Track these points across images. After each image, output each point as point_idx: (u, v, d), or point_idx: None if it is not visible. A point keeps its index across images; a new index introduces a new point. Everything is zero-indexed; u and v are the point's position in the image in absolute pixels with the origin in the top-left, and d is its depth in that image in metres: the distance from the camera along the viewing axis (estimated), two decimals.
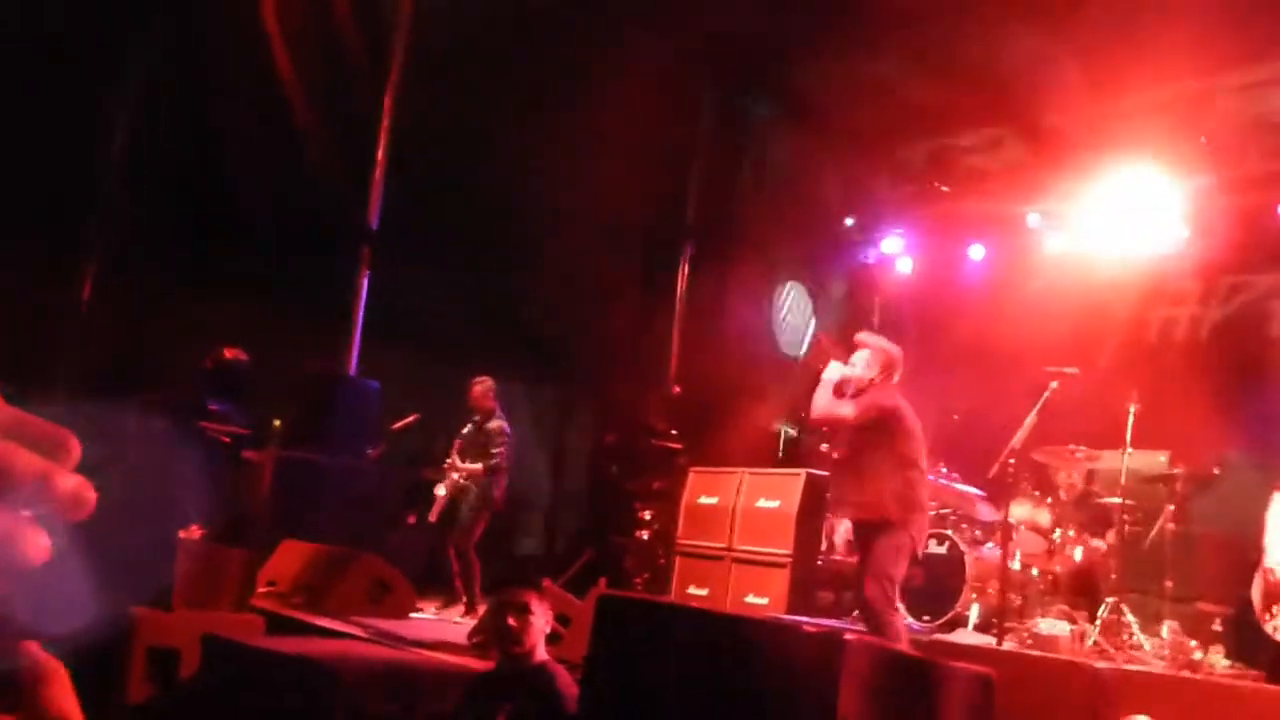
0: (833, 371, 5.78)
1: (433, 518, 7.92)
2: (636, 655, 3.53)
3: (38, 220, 8.65)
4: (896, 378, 5.86)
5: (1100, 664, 4.59)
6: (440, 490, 7.98)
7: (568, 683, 3.86)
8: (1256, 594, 4.73)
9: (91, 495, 0.51)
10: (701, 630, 3.40)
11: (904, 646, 4.62)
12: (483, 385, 8.03)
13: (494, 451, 7.84)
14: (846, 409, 5.65)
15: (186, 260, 9.29)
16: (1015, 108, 8.80)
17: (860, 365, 5.86)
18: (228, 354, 8.24)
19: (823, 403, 5.71)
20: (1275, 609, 4.59)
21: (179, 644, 5.89)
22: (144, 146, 9.40)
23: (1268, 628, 4.58)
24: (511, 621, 3.84)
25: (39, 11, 8.45)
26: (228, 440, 7.90)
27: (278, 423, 8.89)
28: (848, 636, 2.98)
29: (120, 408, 8.31)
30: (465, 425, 8.09)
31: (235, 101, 9.30)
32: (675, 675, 3.33)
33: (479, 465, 7.83)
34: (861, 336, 6.09)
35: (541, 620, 3.92)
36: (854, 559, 8.46)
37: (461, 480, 7.86)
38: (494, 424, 7.92)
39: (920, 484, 5.63)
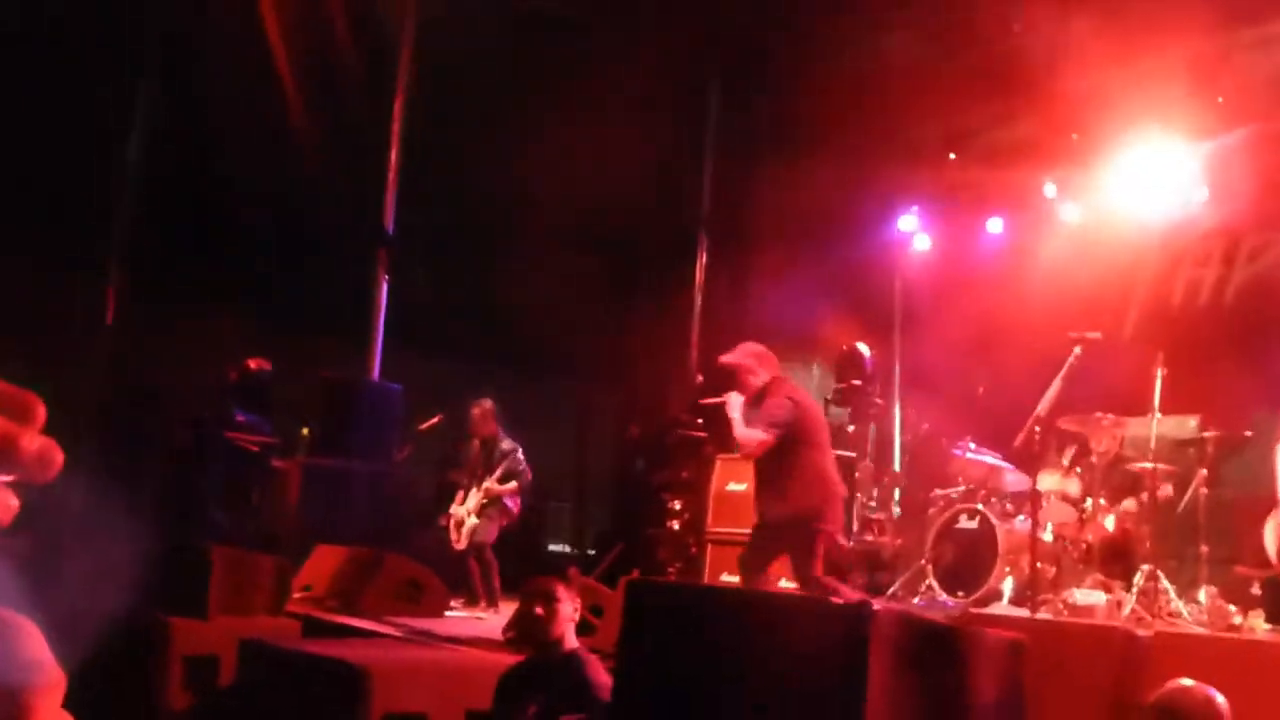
0: (734, 402, 5.84)
1: (462, 545, 7.87)
2: (667, 639, 3.53)
3: (58, 241, 8.75)
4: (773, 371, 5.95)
5: (1138, 631, 4.55)
6: (461, 513, 7.92)
7: (599, 670, 3.87)
8: (1271, 543, 4.67)
9: (59, 456, 0.50)
10: (729, 610, 3.39)
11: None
12: (482, 409, 8.01)
13: (520, 470, 7.84)
14: (760, 433, 5.73)
15: (206, 275, 9.37)
16: (1026, 79, 8.72)
17: (746, 376, 5.92)
18: (252, 365, 8.32)
19: (743, 434, 5.79)
20: None
21: (216, 651, 5.95)
22: (158, 164, 9.49)
23: None
24: (539, 610, 3.85)
25: (49, 27, 8.53)
26: (256, 449, 7.97)
27: (305, 430, 8.95)
28: (876, 607, 2.96)
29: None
30: (466, 450, 8.07)
31: (244, 113, 9.37)
32: (706, 656, 3.32)
33: (513, 484, 7.80)
34: (725, 360, 6.10)
35: (569, 608, 3.93)
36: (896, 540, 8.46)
37: (484, 500, 7.84)
38: (505, 444, 7.93)
39: (830, 467, 5.86)
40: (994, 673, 3.10)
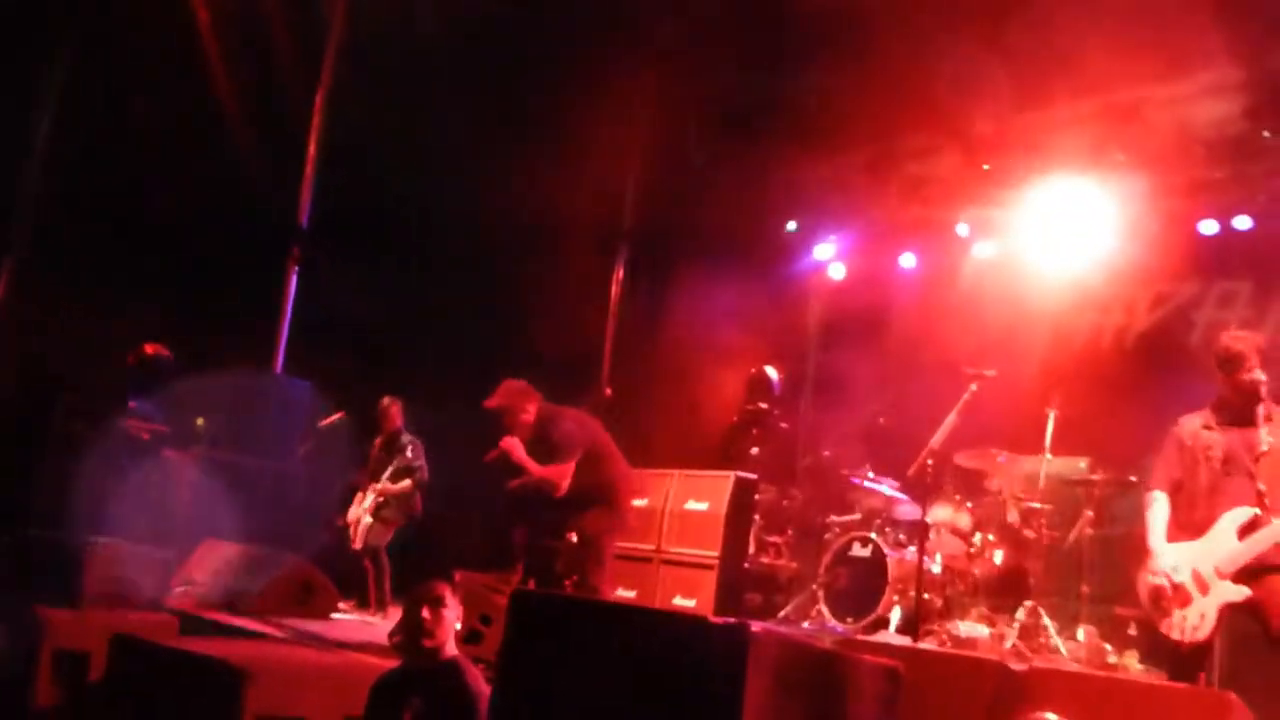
0: (516, 449, 5.91)
1: (358, 544, 7.82)
2: (548, 650, 3.49)
3: None
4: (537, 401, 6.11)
5: (1013, 665, 4.64)
6: (358, 513, 7.87)
7: (476, 679, 3.82)
8: (1142, 588, 4.85)
9: None
10: (612, 624, 3.37)
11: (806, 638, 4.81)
12: (387, 403, 8.04)
13: (416, 466, 7.83)
14: (561, 464, 5.91)
15: (113, 260, 9.08)
16: (949, 116, 8.92)
17: (515, 419, 6.08)
18: (149, 350, 8.09)
19: (547, 473, 5.93)
20: (1165, 607, 4.68)
21: (89, 646, 5.74)
22: (65, 146, 9.19)
23: (1162, 627, 4.68)
24: (425, 614, 3.79)
25: None
26: (146, 438, 7.74)
27: (201, 421, 8.72)
28: (755, 628, 2.97)
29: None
30: (369, 448, 8.07)
31: (160, 99, 9.14)
32: (586, 669, 3.30)
33: (407, 483, 7.82)
34: (490, 404, 6.18)
35: (453, 614, 3.88)
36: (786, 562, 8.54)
37: (380, 500, 7.80)
38: (405, 439, 7.92)
39: (629, 472, 6.26)
40: (870, 698, 3.14)
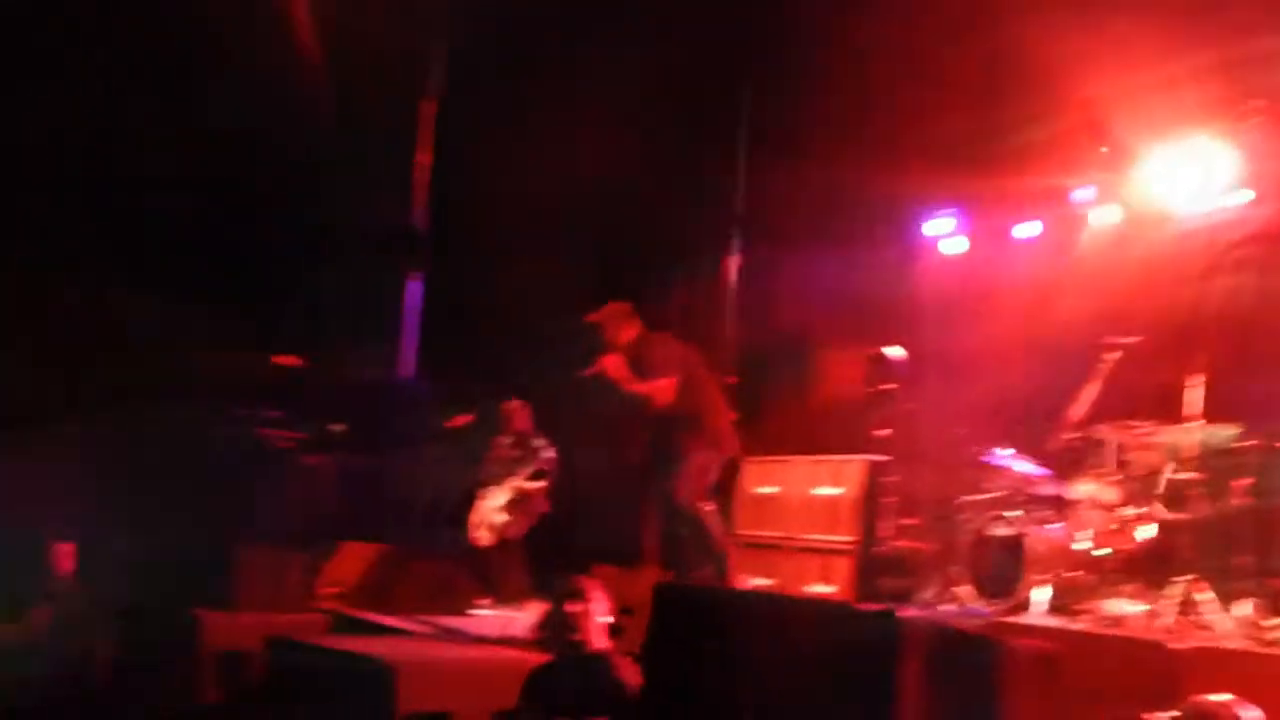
0: (616, 363, 6.18)
1: (490, 542, 7.89)
2: (694, 641, 3.51)
3: (85, 235, 8.80)
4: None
5: (1173, 644, 4.46)
6: (489, 511, 7.92)
7: (625, 671, 3.85)
8: None
9: None
10: (758, 614, 3.36)
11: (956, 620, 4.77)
12: (516, 405, 8.06)
13: (548, 467, 7.86)
14: (653, 384, 6.09)
15: (239, 276, 9.42)
16: (1063, 79, 8.61)
17: (616, 341, 6.28)
18: (282, 361, 8.37)
19: (640, 389, 6.11)
20: None
21: (246, 646, 5.98)
22: (198, 164, 9.55)
23: None
24: (569, 609, 3.84)
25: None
26: (287, 445, 8.02)
27: (335, 427, 8.98)
28: (905, 615, 2.93)
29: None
30: (496, 447, 8.09)
31: (278, 116, 9.41)
32: (733, 659, 3.30)
33: (543, 481, 7.84)
34: (592, 319, 6.30)
35: (600, 608, 3.92)
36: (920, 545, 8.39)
37: (513, 498, 7.85)
38: (536, 441, 7.97)
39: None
40: (1026, 684, 3.05)
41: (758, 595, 4.22)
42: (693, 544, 6.39)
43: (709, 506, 6.49)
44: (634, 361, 6.07)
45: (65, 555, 5.64)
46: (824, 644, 2.97)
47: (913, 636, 2.78)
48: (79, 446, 8.32)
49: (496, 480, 8.02)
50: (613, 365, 6.01)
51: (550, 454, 7.96)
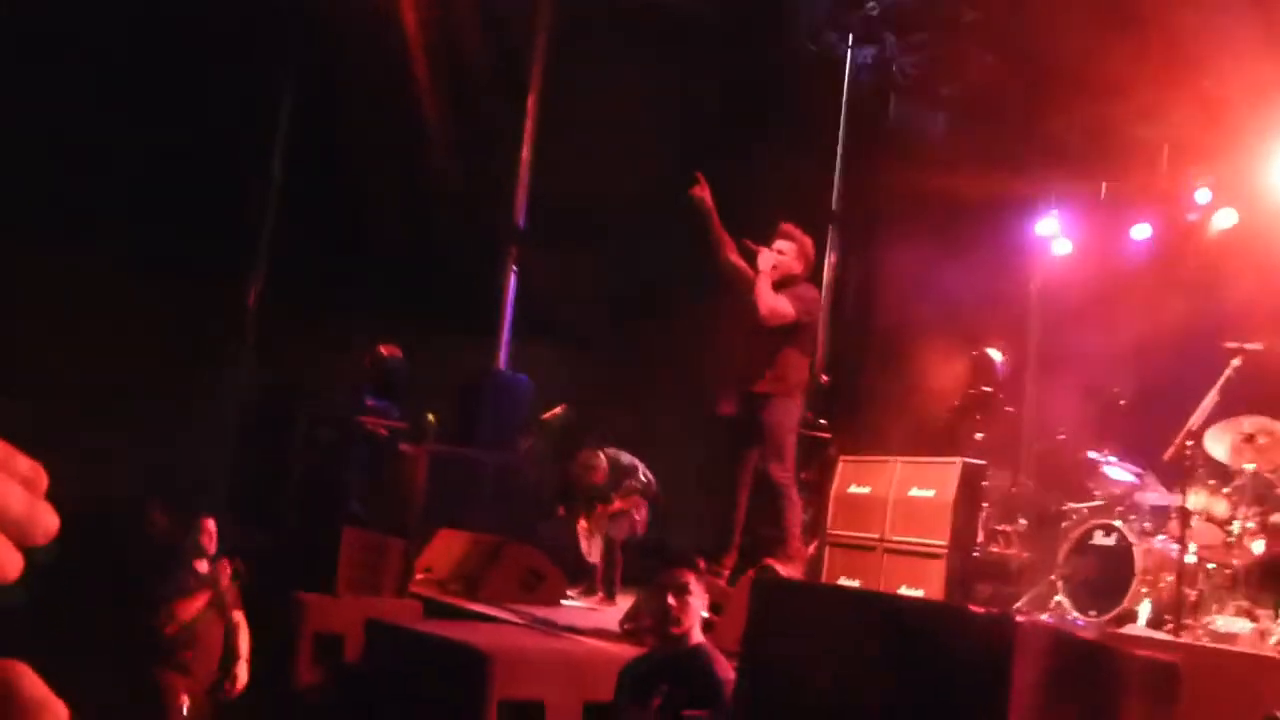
0: (766, 261, 5.96)
1: (593, 558, 7.77)
2: (795, 638, 3.46)
3: (198, 249, 9.06)
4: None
5: None
6: (589, 528, 7.82)
7: (724, 666, 3.83)
8: None
9: (56, 525, 0.55)
10: (863, 613, 3.31)
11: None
12: (588, 464, 7.82)
13: (643, 485, 7.74)
14: (785, 304, 6.05)
15: (341, 272, 9.59)
16: (1179, 71, 8.33)
17: (790, 255, 6.25)
18: (384, 351, 8.52)
19: (769, 299, 6.05)
20: None
21: (343, 629, 6.10)
22: (293, 166, 9.77)
23: None
24: (671, 601, 3.83)
25: (188, 41, 8.81)
26: (385, 434, 8.16)
27: (432, 417, 9.11)
28: (1020, 619, 2.85)
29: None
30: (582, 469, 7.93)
31: (375, 113, 9.57)
32: (836, 658, 3.24)
33: (635, 496, 7.70)
34: (788, 228, 6.35)
35: (699, 601, 3.90)
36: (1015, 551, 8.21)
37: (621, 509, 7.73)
38: (625, 460, 7.83)
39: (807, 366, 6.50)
40: (1144, 695, 2.96)
41: (862, 592, 4.15)
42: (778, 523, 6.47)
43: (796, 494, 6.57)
44: (778, 285, 6.21)
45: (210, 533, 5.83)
46: (934, 645, 2.91)
47: (1029, 641, 2.71)
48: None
49: (588, 502, 7.87)
50: (765, 259, 6.11)
51: (643, 474, 7.82)
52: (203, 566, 5.68)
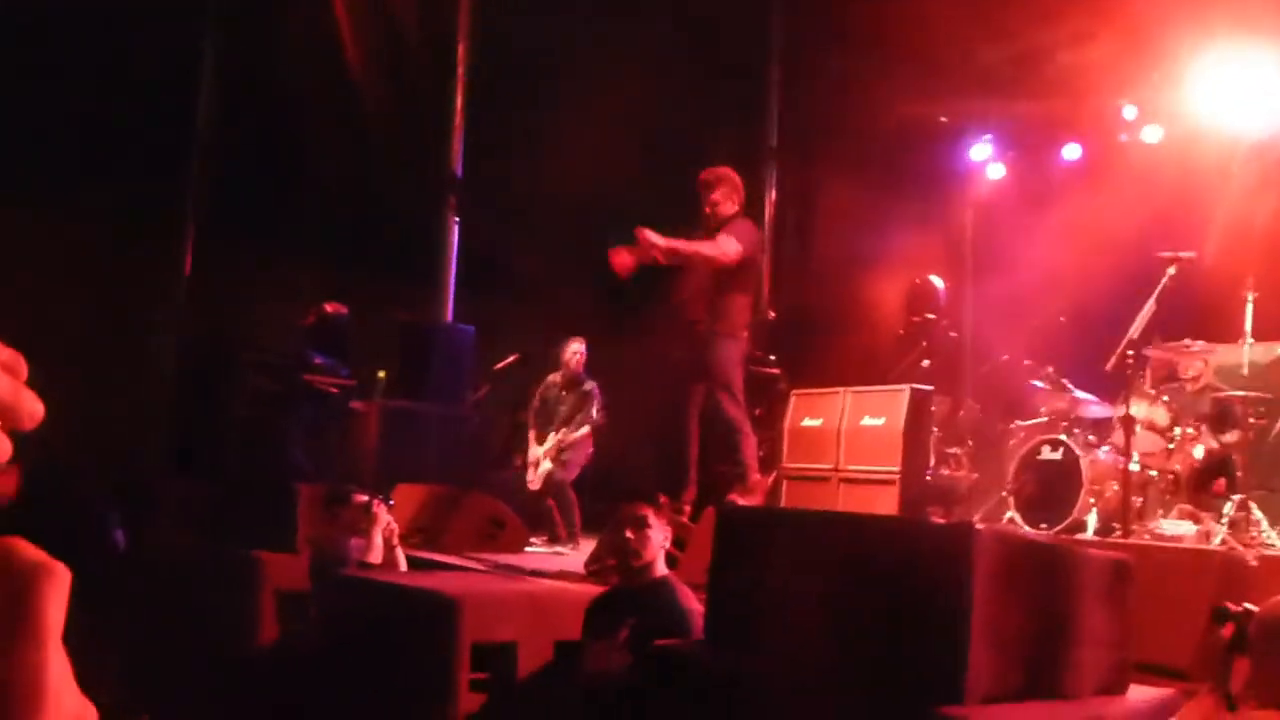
0: (655, 239, 6.06)
1: (536, 485, 7.92)
2: (760, 565, 3.52)
3: (132, 200, 8.88)
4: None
5: (1247, 556, 4.45)
6: (538, 456, 7.93)
7: (688, 596, 3.89)
8: None
9: (41, 410, 0.55)
10: (825, 533, 3.37)
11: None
12: (577, 346, 8.02)
13: (594, 413, 7.86)
14: (732, 244, 6.09)
15: (279, 225, 9.46)
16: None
17: (721, 197, 6.30)
18: (328, 309, 8.43)
19: (711, 250, 6.10)
20: None
21: (305, 586, 6.08)
22: (227, 117, 9.58)
23: None
24: (629, 534, 3.87)
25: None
26: (335, 391, 8.09)
27: (381, 374, 9.05)
28: (977, 526, 2.93)
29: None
30: (545, 390, 8.07)
31: (308, 64, 9.39)
32: (802, 580, 3.31)
33: (585, 430, 7.85)
34: (706, 176, 6.37)
35: (659, 535, 3.95)
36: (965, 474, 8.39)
37: (562, 445, 7.86)
38: (587, 386, 7.95)
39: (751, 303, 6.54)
40: (1099, 592, 3.06)
41: (824, 514, 4.23)
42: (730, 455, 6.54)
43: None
44: (722, 233, 6.21)
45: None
46: (896, 558, 2.98)
47: (986, 547, 2.79)
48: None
49: (547, 422, 8.04)
50: (664, 243, 6.10)
51: (599, 395, 7.95)
52: None
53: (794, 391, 8.40)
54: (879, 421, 7.78)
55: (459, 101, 9.83)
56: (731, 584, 3.58)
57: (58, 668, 0.50)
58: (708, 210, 6.33)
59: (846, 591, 3.12)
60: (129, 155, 8.65)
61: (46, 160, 8.34)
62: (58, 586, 0.51)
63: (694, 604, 3.89)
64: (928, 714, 2.63)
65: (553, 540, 7.65)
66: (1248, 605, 2.66)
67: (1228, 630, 2.71)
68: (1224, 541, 5.96)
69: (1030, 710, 2.75)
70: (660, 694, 3.45)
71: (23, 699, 0.48)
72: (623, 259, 6.20)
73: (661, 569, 4.00)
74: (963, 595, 2.77)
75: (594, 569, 5.83)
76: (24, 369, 0.55)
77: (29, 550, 0.52)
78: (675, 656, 3.49)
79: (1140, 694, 3.09)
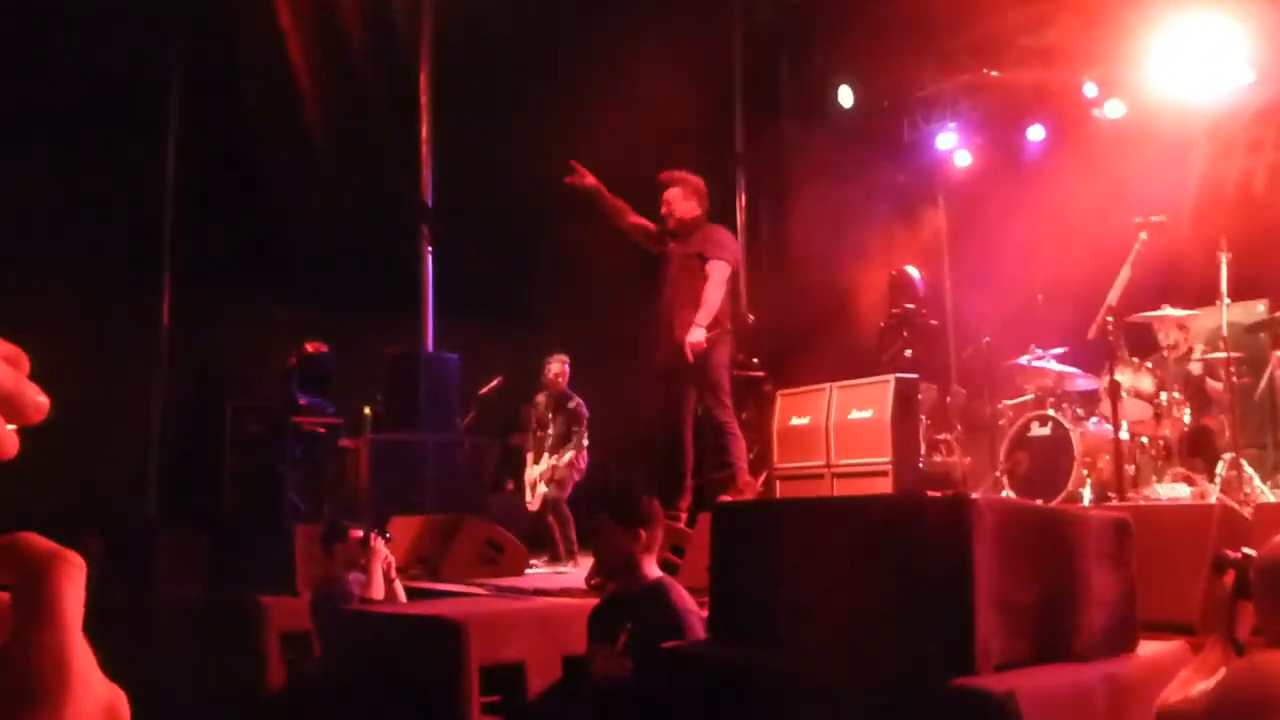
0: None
1: (535, 506, 7.91)
2: (761, 555, 3.52)
3: (109, 254, 8.86)
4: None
5: (1241, 509, 4.47)
6: (534, 477, 7.92)
7: (682, 597, 3.86)
8: None
9: (46, 403, 0.55)
10: (824, 517, 3.37)
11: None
12: (558, 365, 8.02)
13: (576, 431, 7.86)
14: (721, 273, 6.15)
15: (253, 268, 9.44)
16: None
17: (678, 199, 6.30)
18: (309, 348, 8.41)
19: (713, 296, 6.15)
20: None
21: (309, 627, 6.04)
22: (195, 166, 9.57)
23: None
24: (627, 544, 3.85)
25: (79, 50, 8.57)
26: (323, 431, 8.06)
27: (368, 410, 9.03)
28: (974, 496, 2.94)
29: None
30: (532, 410, 8.07)
31: (272, 107, 9.40)
32: (804, 567, 3.31)
33: (571, 453, 7.84)
34: (665, 177, 6.42)
35: (652, 538, 3.93)
36: (957, 460, 8.41)
37: (558, 467, 7.85)
38: (572, 403, 7.94)
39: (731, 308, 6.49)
40: (1101, 552, 3.07)
41: (821, 499, 4.23)
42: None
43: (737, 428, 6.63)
44: (695, 238, 6.19)
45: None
46: (896, 535, 2.98)
47: (985, 516, 2.79)
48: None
49: (540, 444, 8.00)
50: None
51: (585, 412, 7.94)
52: None
53: (780, 392, 8.41)
54: (866, 414, 7.80)
55: (424, 131, 9.84)
56: (733, 579, 3.58)
57: (81, 654, 0.50)
58: (664, 211, 6.35)
59: (849, 575, 3.12)
60: (98, 209, 8.63)
61: (11, 222, 8.32)
62: (73, 574, 0.52)
63: (690, 605, 3.87)
64: (943, 687, 2.63)
65: (553, 560, 7.63)
66: (1246, 550, 2.68)
67: (1229, 578, 2.72)
68: (1219, 500, 5.99)
69: (1043, 674, 2.74)
70: (671, 695, 3.43)
71: (50, 684, 0.49)
72: (581, 179, 6.26)
73: (655, 573, 3.99)
74: (965, 566, 2.77)
75: (595, 583, 5.81)
76: (26, 363, 0.55)
77: (42, 541, 0.52)
78: (683, 657, 3.47)
79: (1150, 649, 3.09)
